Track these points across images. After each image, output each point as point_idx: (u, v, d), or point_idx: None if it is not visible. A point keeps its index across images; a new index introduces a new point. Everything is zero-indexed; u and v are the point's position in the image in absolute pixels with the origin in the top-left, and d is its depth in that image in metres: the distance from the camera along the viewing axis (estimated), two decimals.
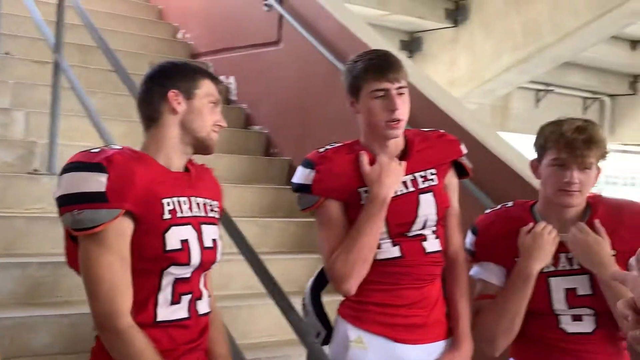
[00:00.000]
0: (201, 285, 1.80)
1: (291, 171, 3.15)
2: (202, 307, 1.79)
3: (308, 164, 2.04)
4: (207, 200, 1.84)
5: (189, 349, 1.75)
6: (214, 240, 1.82)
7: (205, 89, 1.80)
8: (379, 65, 1.99)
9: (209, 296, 1.84)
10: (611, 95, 13.18)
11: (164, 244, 1.67)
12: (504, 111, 12.44)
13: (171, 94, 1.78)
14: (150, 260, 1.68)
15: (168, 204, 1.70)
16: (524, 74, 9.29)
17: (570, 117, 2.01)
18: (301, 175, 2.04)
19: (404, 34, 10.85)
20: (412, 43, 10.87)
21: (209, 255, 1.78)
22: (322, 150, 2.07)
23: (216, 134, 1.82)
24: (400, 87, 1.98)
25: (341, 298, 2.11)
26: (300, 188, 2.04)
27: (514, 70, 9.03)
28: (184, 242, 1.71)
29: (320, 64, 4.34)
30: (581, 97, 13.07)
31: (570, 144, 1.89)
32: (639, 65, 11.83)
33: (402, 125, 2.00)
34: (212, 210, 1.84)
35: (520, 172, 3.13)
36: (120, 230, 1.64)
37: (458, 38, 9.83)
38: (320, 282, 2.20)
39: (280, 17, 4.71)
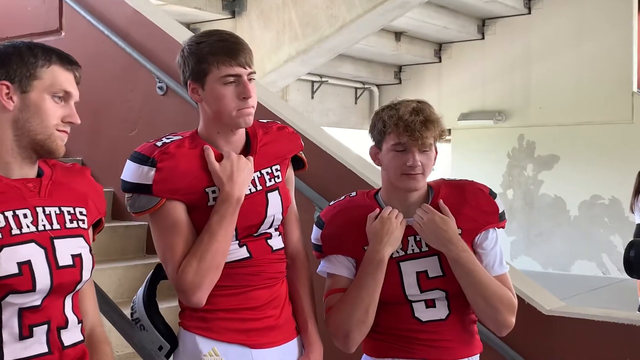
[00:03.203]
0: (67, 311, 1.50)
1: None
2: (69, 337, 1.50)
3: (144, 160, 1.77)
4: (67, 208, 1.53)
5: None
6: (76, 256, 1.51)
7: (49, 77, 1.48)
8: (229, 48, 1.79)
9: (80, 322, 1.55)
10: (379, 85, 13.97)
11: None
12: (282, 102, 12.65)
13: (0, 86, 1.46)
14: None
15: None
16: (304, 65, 9.46)
17: (405, 99, 1.98)
18: (136, 172, 1.77)
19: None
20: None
21: (66, 276, 1.48)
22: (159, 143, 1.80)
23: (64, 134, 1.50)
24: (251, 73, 1.82)
25: (175, 304, 1.91)
26: (136, 188, 1.78)
27: (294, 61, 9.15)
28: (24, 264, 1.41)
29: (112, 54, 4.00)
30: (353, 87, 13.67)
31: (409, 127, 1.85)
32: (403, 56, 12.65)
33: (253, 112, 1.83)
34: (73, 220, 1.53)
35: (349, 165, 3.10)
36: None
37: (236, 30, 9.76)
38: (153, 290, 1.97)
39: (61, 3, 4.28)
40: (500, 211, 1.97)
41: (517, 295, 2.60)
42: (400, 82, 13.73)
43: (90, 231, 1.63)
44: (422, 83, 13.32)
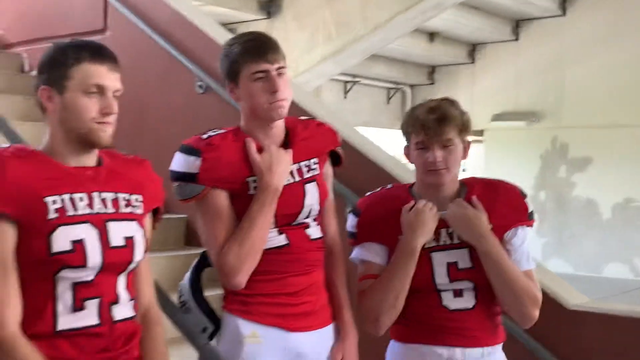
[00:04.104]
0: (119, 288, 1.64)
1: None
2: (120, 312, 1.63)
3: (191, 151, 1.92)
4: (123, 195, 1.66)
5: (101, 358, 1.59)
6: (129, 238, 1.65)
7: (80, 75, 1.59)
8: (257, 47, 1.93)
9: (132, 299, 1.68)
10: (411, 86, 14.01)
11: (48, 246, 1.52)
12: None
13: (41, 91, 1.61)
14: (36, 265, 1.52)
15: (54, 202, 1.54)
16: (337, 65, 9.56)
17: (429, 99, 2.08)
18: (183, 162, 1.91)
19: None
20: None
21: (117, 256, 1.62)
22: (205, 136, 1.95)
23: (103, 125, 1.61)
24: (279, 68, 1.94)
25: (218, 292, 2.04)
26: (183, 177, 1.91)
27: (328, 61, 9.26)
28: (77, 242, 1.55)
29: (154, 53, 4.16)
30: (385, 87, 13.72)
31: (424, 125, 1.96)
32: (436, 56, 12.68)
33: (286, 105, 1.96)
34: (128, 206, 1.67)
35: (380, 163, 3.21)
36: None
37: (272, 30, 9.91)
38: (198, 276, 2.11)
39: (106, 3, 4.45)
40: (529, 210, 2.07)
41: (543, 290, 2.69)
42: (433, 83, 13.74)
43: (148, 219, 1.76)
44: (455, 84, 13.32)
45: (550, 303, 2.72)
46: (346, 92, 13.06)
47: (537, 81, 12.16)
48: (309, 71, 9.55)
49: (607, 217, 11.72)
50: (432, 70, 13.75)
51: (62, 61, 1.60)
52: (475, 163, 14.06)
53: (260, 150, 1.94)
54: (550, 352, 2.66)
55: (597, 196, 11.79)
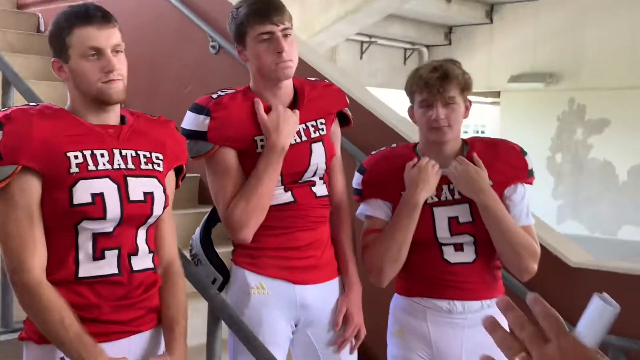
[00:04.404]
0: (138, 241, 1.73)
1: None
2: (139, 263, 1.73)
3: (201, 110, 1.99)
4: (143, 152, 1.75)
5: (120, 305, 1.69)
6: (148, 194, 1.73)
7: (75, 42, 1.67)
8: (262, 9, 1.98)
9: (151, 252, 1.77)
10: (428, 46, 13.90)
11: (70, 198, 1.61)
12: (331, 62, 12.75)
13: (52, 64, 1.73)
14: (59, 215, 1.62)
15: (75, 157, 1.63)
16: (353, 25, 9.52)
17: (433, 60, 2.15)
18: (194, 121, 1.99)
19: None
20: None
21: (136, 209, 1.70)
22: (215, 96, 2.02)
23: (110, 83, 1.68)
24: (285, 29, 1.98)
25: (229, 250, 2.12)
26: (193, 135, 1.99)
27: (343, 21, 9.22)
28: (97, 195, 1.64)
29: (168, 14, 4.21)
30: (402, 47, 13.62)
31: (427, 84, 2.02)
32: (453, 17, 12.56)
33: (292, 66, 2.01)
34: (149, 163, 1.75)
35: (390, 124, 3.25)
36: (24, 187, 1.59)
37: None
38: (208, 231, 2.19)
39: None
40: (529, 168, 2.12)
41: (546, 248, 2.76)
42: (450, 44, 13.63)
43: (171, 177, 1.85)
44: (472, 44, 13.21)
45: (553, 261, 2.78)
46: (362, 52, 13.00)
47: (556, 42, 12.03)
48: (324, 31, 9.52)
49: (623, 180, 11.68)
50: (449, 31, 13.63)
51: (59, 33, 1.69)
52: (491, 124, 14.03)
53: (268, 110, 2.00)
54: (552, 306, 2.73)
55: (614, 159, 11.74)
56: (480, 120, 15.86)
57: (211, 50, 4.10)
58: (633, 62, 11.11)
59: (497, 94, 13.15)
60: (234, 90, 2.05)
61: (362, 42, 12.91)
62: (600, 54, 11.49)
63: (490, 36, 13.06)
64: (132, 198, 1.70)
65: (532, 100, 12.57)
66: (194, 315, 2.26)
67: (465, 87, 2.08)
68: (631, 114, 11.31)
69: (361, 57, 13.18)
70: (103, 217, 1.65)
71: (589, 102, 11.92)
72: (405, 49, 13.82)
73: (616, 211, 11.60)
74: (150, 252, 1.77)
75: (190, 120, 1.99)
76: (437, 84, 2.02)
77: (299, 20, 9.91)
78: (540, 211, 11.40)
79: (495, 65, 12.53)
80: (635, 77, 11.09)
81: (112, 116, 1.73)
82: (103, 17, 1.69)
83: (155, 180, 1.75)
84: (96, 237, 1.66)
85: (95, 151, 1.67)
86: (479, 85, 13.12)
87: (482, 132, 14.83)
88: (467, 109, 2.10)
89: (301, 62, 3.59)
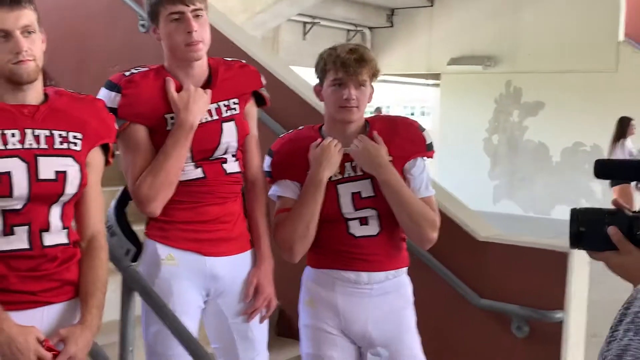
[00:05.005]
0: (51, 218, 1.78)
1: None
2: (51, 238, 1.78)
3: (113, 87, 2.05)
4: (59, 132, 1.79)
5: (29, 276, 1.75)
6: (61, 173, 1.77)
7: None
8: None
9: (65, 228, 1.82)
10: (371, 28, 14.03)
11: None
12: (274, 43, 12.74)
13: None
14: None
15: None
16: (294, 6, 9.55)
17: (344, 42, 2.25)
18: (106, 97, 2.04)
19: None
20: None
21: (46, 188, 1.75)
22: (127, 73, 2.08)
23: (20, 64, 1.72)
24: (196, 10, 2.04)
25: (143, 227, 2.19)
26: None
27: (284, 2, 9.24)
28: (4, 174, 1.69)
29: None
30: (345, 29, 13.72)
31: (344, 64, 2.11)
32: None
33: (203, 47, 2.07)
34: (64, 142, 1.79)
35: (309, 100, 3.33)
36: None
37: None
38: (123, 203, 2.25)
39: None
40: (427, 142, 2.24)
41: (456, 223, 2.90)
42: (392, 26, 13.78)
43: (96, 154, 1.88)
44: (413, 27, 13.38)
45: (462, 234, 2.93)
46: (305, 33, 13.05)
47: (493, 26, 12.29)
48: (265, 11, 9.52)
49: (556, 161, 12.07)
50: (391, 13, 13.77)
51: None
52: (431, 106, 14.26)
53: (180, 89, 2.07)
54: (460, 279, 2.88)
55: (548, 140, 12.10)
56: (421, 102, 16.16)
57: (140, 28, 4.10)
58: (567, 47, 11.43)
59: (438, 76, 13.38)
60: (147, 68, 2.11)
61: (304, 23, 12.95)
62: (536, 39, 11.79)
63: (430, 19, 13.25)
64: (41, 177, 1.74)
65: (471, 82, 12.83)
66: (112, 290, 2.32)
67: (375, 73, 2.18)
68: (565, 97, 11.66)
69: (304, 38, 13.22)
70: (9, 195, 1.70)
71: (525, 85, 12.24)
72: (349, 31, 13.91)
73: (550, 191, 11.98)
74: (64, 228, 1.81)
75: (103, 97, 2.05)
76: (353, 65, 2.11)
77: (240, 1, 9.89)
78: (477, 191, 11.65)
79: (436, 47, 12.75)
80: (568, 61, 11.43)
81: (31, 95, 1.77)
82: None
83: (70, 159, 1.79)
84: (5, 213, 1.72)
85: (6, 131, 1.72)
86: (419, 67, 13.34)
87: (426, 113, 15.11)
88: (371, 94, 2.20)
89: (225, 40, 3.66)
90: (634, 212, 1.19)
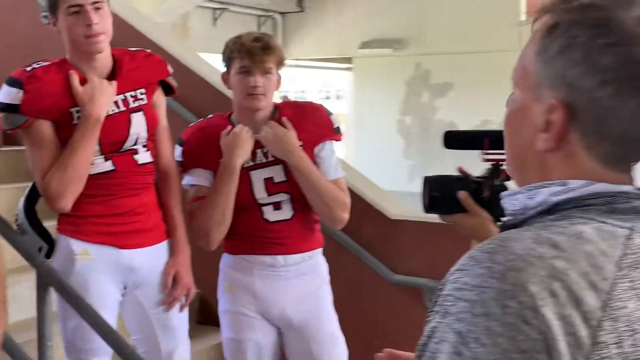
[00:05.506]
0: None
1: None
2: None
3: (14, 83, 2.02)
4: None
5: None
6: None
7: None
8: None
9: None
10: (282, 13, 14.02)
11: None
12: (183, 30, 12.57)
13: None
14: None
15: None
16: None
17: (251, 31, 2.29)
18: (7, 94, 2.02)
19: None
20: None
21: None
22: (29, 68, 2.05)
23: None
24: (95, 2, 2.03)
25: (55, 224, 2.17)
26: (7, 108, 2.02)
27: None
28: None
29: None
30: (255, 15, 13.66)
31: (250, 52, 2.16)
32: None
33: (104, 39, 2.07)
34: None
35: (220, 88, 3.34)
36: None
37: None
38: (33, 199, 2.23)
39: None
40: (335, 126, 2.31)
41: (367, 202, 2.99)
42: (303, 10, 13.81)
43: None
44: (324, 11, 13.45)
45: (374, 213, 3.03)
46: (215, 19, 12.92)
47: (401, 10, 12.49)
48: None
49: None
50: None
51: None
52: (344, 90, 14.41)
53: (84, 82, 2.05)
54: (374, 256, 2.98)
55: (457, 119, 12.44)
56: (336, 87, 16.28)
57: (44, 20, 3.99)
58: (472, 28, 11.77)
59: (349, 60, 13.53)
60: (49, 62, 2.08)
61: (214, 9, 12.82)
62: (442, 21, 12.08)
63: (340, 3, 13.34)
64: None
65: (382, 65, 13.03)
66: (28, 287, 2.30)
67: (281, 61, 2.23)
68: (472, 77, 12.01)
69: (214, 24, 13.09)
70: None
71: (434, 66, 12.54)
72: (259, 16, 13.86)
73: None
74: None
75: (5, 94, 2.03)
76: (259, 53, 2.15)
77: None
78: (393, 171, 11.88)
79: (347, 32, 12.87)
80: (474, 42, 11.78)
81: None
82: None
83: None
84: None
85: None
86: (332, 51, 13.45)
87: (341, 97, 15.23)
88: (278, 81, 2.25)
89: (131, 29, 3.62)
90: (478, 177, 1.32)
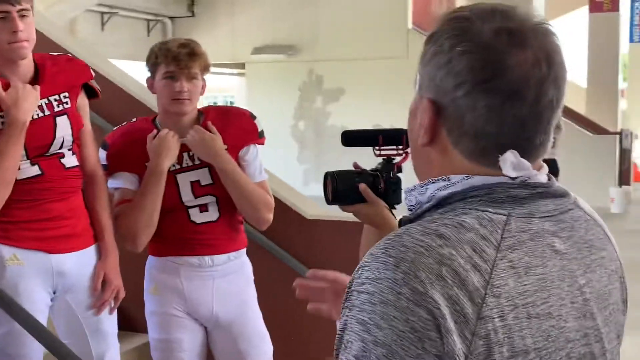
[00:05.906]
0: None
1: None
2: None
3: None
4: None
5: None
6: None
7: None
8: None
9: None
10: (172, 18, 13.87)
11: None
12: (71, 34, 12.22)
13: None
14: None
15: None
16: None
17: (177, 37, 2.35)
18: None
19: None
20: None
21: None
22: None
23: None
24: (22, 10, 2.04)
25: None
26: None
27: None
28: None
29: None
30: (144, 19, 13.45)
31: (176, 58, 2.21)
32: None
33: (28, 46, 2.07)
34: None
35: (135, 95, 3.34)
36: None
37: None
38: None
39: None
40: (259, 130, 2.40)
41: (285, 204, 3.09)
42: (193, 15, 13.74)
43: None
44: (215, 17, 13.43)
45: (292, 214, 3.13)
46: (104, 23, 12.62)
47: (294, 16, 12.69)
48: (63, 1, 9.12)
49: None
50: (192, 2, 13.72)
51: None
52: (238, 95, 14.44)
53: (7, 87, 2.05)
54: (293, 256, 3.09)
55: (349, 124, 12.65)
56: (228, 91, 16.27)
57: None
58: (362, 36, 12.12)
59: (243, 66, 13.58)
60: None
61: (102, 13, 12.52)
62: (334, 28, 12.37)
63: (232, 9, 13.38)
64: None
65: (275, 71, 13.17)
66: None
67: (206, 67, 2.30)
68: (363, 83, 12.36)
69: (103, 29, 12.79)
70: None
71: (326, 72, 12.81)
72: (149, 21, 13.66)
73: None
74: None
75: None
76: (185, 59, 2.21)
77: None
78: (288, 176, 11.97)
79: (239, 37, 12.92)
80: (365, 49, 12.13)
81: None
82: None
83: None
84: None
85: None
86: (224, 56, 13.41)
87: (232, 102, 15.24)
88: (203, 87, 2.31)
89: (41, 36, 3.55)
90: (372, 170, 1.51)
